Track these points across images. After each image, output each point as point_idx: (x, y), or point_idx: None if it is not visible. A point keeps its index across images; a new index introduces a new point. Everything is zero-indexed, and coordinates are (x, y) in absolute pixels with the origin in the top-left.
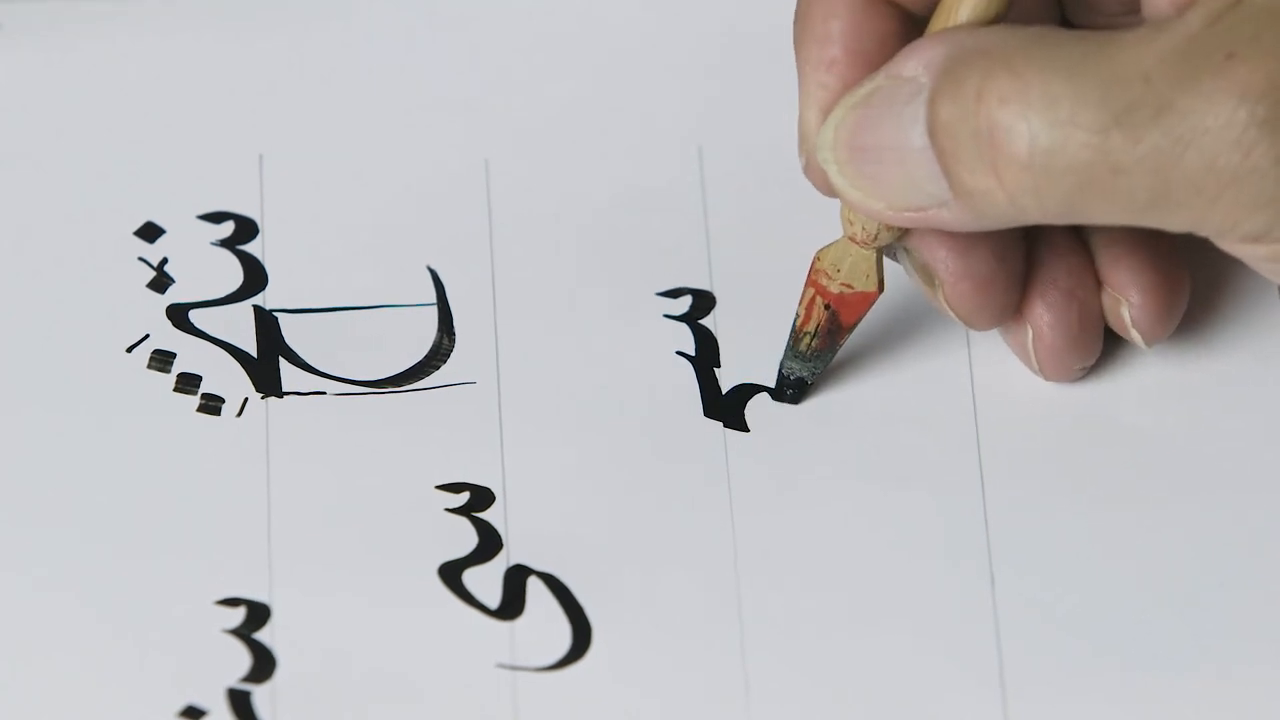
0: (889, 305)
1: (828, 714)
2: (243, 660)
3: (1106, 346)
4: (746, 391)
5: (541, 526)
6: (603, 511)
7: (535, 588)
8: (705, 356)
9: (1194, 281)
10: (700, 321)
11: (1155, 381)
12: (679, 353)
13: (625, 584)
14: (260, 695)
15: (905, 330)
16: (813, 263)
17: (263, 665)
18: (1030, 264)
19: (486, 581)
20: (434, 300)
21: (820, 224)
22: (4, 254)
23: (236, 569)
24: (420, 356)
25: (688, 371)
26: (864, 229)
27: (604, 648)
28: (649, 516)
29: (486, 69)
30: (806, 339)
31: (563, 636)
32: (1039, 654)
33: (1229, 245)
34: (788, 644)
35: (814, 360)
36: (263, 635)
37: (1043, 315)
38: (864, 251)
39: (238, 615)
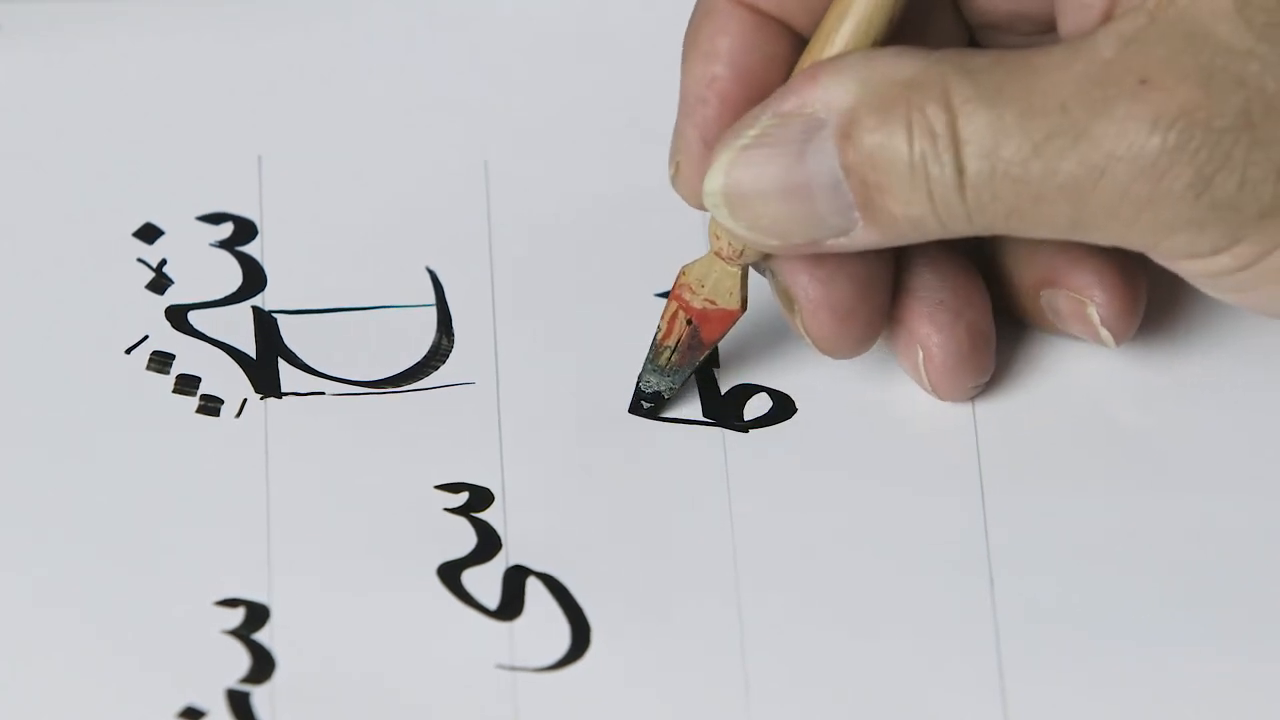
0: None
1: (828, 714)
2: (242, 661)
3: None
4: (745, 392)
5: (541, 527)
6: (602, 511)
7: (534, 588)
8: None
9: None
10: None
11: (1153, 382)
12: None
13: (625, 584)
14: (259, 696)
15: None
16: (678, 276)
17: (262, 666)
18: (917, 285)
19: (486, 582)
20: (433, 301)
21: None
22: (4, 254)
23: (235, 570)
24: (419, 357)
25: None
26: (730, 245)
27: (603, 648)
28: (648, 516)
29: (486, 69)
30: (667, 353)
31: (562, 637)
32: (1039, 654)
33: (1158, 260)
34: (788, 644)
35: (673, 375)
36: (262, 636)
37: (931, 336)
38: (730, 268)
39: (237, 616)
